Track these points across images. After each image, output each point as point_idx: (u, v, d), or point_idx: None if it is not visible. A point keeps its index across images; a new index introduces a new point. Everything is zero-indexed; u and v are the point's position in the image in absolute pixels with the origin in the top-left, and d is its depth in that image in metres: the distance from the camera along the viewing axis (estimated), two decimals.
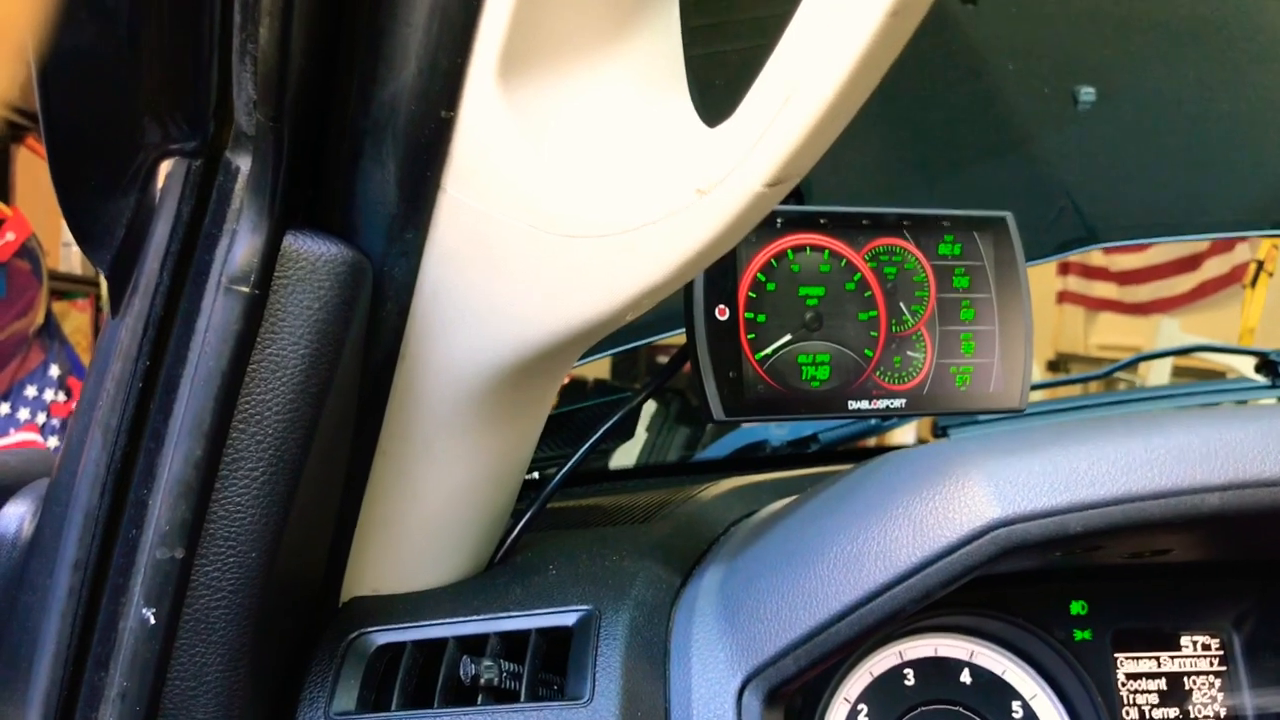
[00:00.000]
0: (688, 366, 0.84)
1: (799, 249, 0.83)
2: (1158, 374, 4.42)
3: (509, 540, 0.84)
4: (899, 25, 0.46)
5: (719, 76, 1.01)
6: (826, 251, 0.84)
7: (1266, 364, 1.48)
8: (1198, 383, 1.66)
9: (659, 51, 0.63)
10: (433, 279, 0.66)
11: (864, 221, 0.86)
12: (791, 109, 0.49)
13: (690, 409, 1.86)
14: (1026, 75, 1.51)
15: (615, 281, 0.60)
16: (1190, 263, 4.96)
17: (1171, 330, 4.94)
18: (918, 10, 0.47)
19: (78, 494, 0.63)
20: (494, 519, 0.81)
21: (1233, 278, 4.76)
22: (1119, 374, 2.14)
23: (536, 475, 1.12)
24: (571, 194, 0.59)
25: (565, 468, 0.86)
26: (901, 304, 0.86)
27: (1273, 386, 1.48)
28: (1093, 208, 1.59)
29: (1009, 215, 0.90)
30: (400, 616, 0.74)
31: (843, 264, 0.85)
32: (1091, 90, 1.48)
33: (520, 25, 0.57)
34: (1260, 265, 4.05)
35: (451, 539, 0.79)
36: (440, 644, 0.72)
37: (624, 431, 1.55)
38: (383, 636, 0.73)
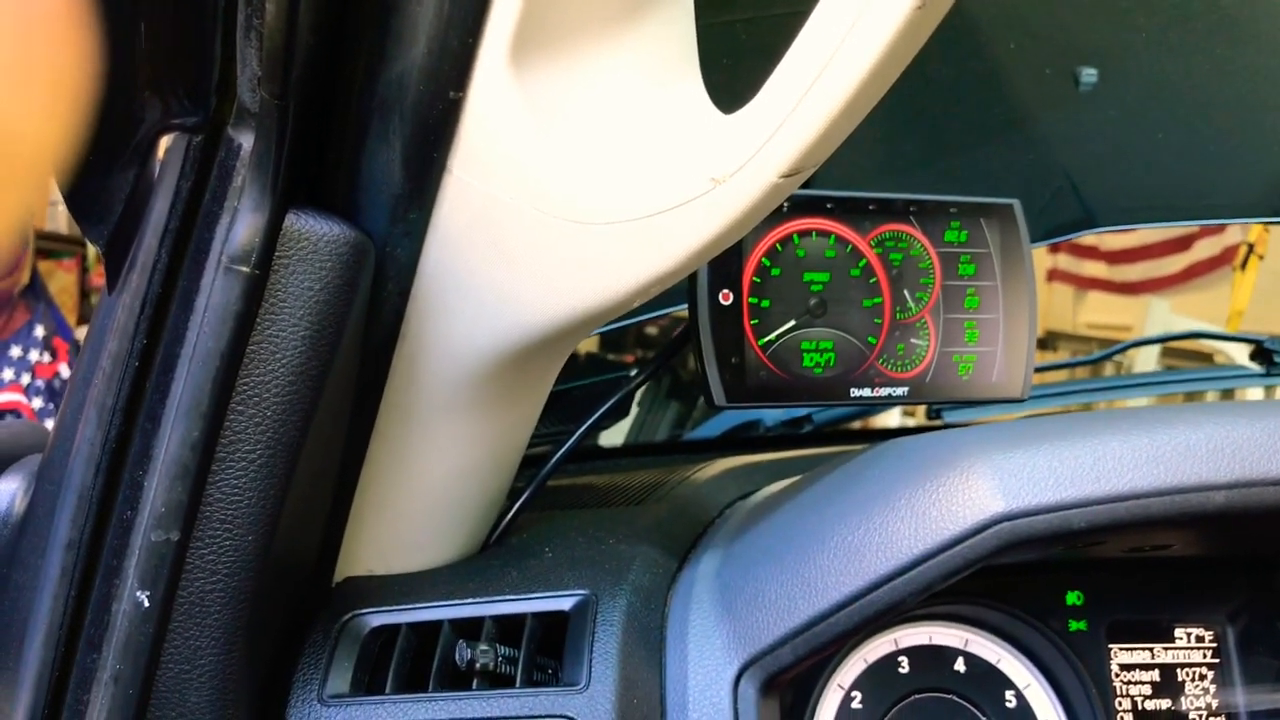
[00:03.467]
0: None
1: (805, 234, 0.82)
2: (1146, 355, 4.43)
3: (504, 521, 0.84)
4: (924, 18, 0.45)
5: (725, 54, 1.00)
6: (832, 237, 0.83)
7: (1261, 352, 1.48)
8: (1191, 369, 1.66)
9: (673, 36, 0.62)
10: (435, 261, 0.65)
11: (870, 206, 0.84)
12: (811, 100, 0.49)
13: (682, 385, 1.85)
14: (1028, 54, 1.49)
15: (624, 269, 0.59)
16: (1181, 243, 4.95)
17: (1161, 311, 4.93)
18: (944, 3, 0.46)
19: (71, 473, 0.62)
20: (491, 500, 0.80)
21: (1223, 259, 4.76)
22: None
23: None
24: (581, 179, 0.58)
25: (562, 449, 0.85)
26: (906, 291, 0.85)
27: (1266, 375, 1.48)
28: (1092, 191, 1.58)
29: (1016, 203, 0.89)
30: (395, 598, 0.73)
31: (848, 250, 0.84)
32: (1094, 71, 1.46)
33: (533, 6, 0.56)
34: (1251, 248, 4.05)
35: (448, 520, 0.78)
36: (435, 626, 0.71)
37: (621, 411, 1.54)
38: (377, 618, 0.72)
